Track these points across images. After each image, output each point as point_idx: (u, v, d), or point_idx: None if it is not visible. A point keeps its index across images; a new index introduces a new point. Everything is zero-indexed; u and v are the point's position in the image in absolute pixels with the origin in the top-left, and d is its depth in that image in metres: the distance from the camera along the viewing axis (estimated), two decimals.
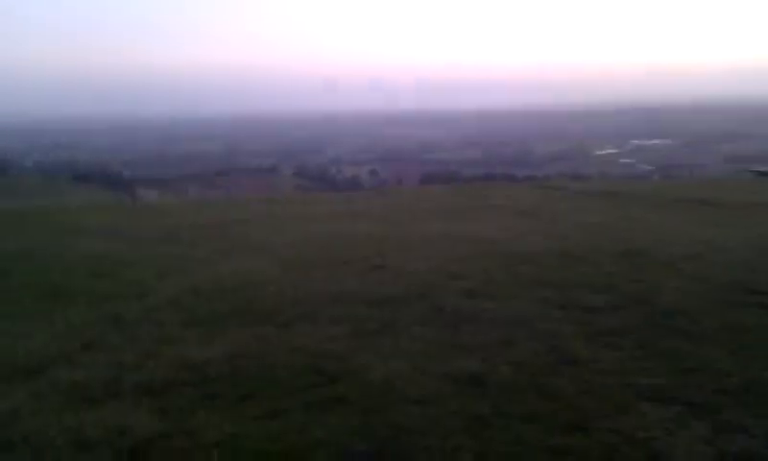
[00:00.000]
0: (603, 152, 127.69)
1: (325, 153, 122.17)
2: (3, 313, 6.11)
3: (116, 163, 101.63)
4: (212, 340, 5.07)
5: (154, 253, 8.96)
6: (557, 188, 13.86)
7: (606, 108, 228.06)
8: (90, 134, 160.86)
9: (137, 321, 5.65)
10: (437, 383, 4.33)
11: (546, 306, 5.77)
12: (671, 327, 5.28)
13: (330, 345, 5.02)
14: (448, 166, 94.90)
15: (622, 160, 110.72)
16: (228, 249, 9.07)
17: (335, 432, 3.66)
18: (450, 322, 5.48)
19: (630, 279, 6.63)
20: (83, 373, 4.51)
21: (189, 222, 12.43)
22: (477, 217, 10.36)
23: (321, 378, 4.39)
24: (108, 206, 17.17)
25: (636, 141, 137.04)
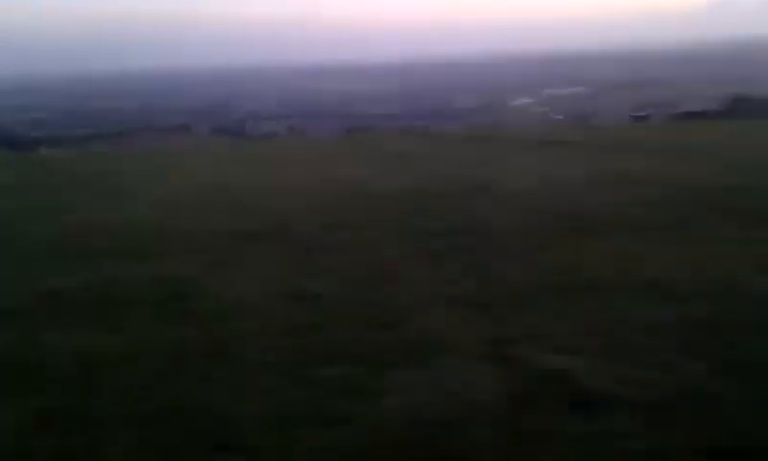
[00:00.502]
0: (518, 102, 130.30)
1: (244, 108, 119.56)
2: None
3: (23, 124, 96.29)
4: (74, 273, 5.55)
5: (28, 201, 9.26)
6: (441, 136, 14.77)
7: (521, 56, 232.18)
8: None
9: (3, 261, 6.06)
10: (275, 300, 5.00)
11: (390, 234, 6.55)
12: (490, 248, 6.15)
13: (188, 273, 5.60)
14: (368, 120, 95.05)
15: (536, 110, 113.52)
16: (104, 194, 9.49)
17: (170, 339, 4.29)
18: (303, 251, 6.17)
19: (469, 210, 7.51)
20: None
21: (73, 172, 12.66)
22: (356, 162, 11.02)
23: (172, 300, 4.98)
24: None
25: (550, 90, 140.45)
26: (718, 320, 4.55)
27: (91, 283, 5.29)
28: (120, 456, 3.22)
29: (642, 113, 22.99)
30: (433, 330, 4.48)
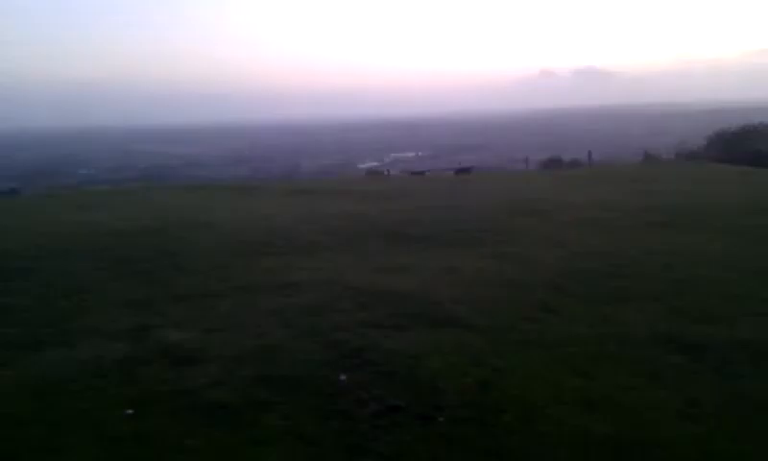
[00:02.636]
0: (365, 165, 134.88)
1: (78, 173, 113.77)
2: None
3: None
4: None
5: None
6: (219, 189, 16.09)
7: (368, 122, 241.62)
8: None
9: None
10: None
11: (102, 260, 7.65)
12: (180, 267, 7.46)
13: None
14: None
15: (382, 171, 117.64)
16: None
17: None
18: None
19: (182, 240, 8.80)
20: None
21: None
22: (119, 210, 11.88)
23: None
24: None
25: (394, 154, 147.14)
26: (317, 305, 6.12)
27: None
28: None
29: (421, 169, 26.24)
30: (93, 323, 5.63)
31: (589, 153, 31.23)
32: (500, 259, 7.84)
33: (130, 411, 4.18)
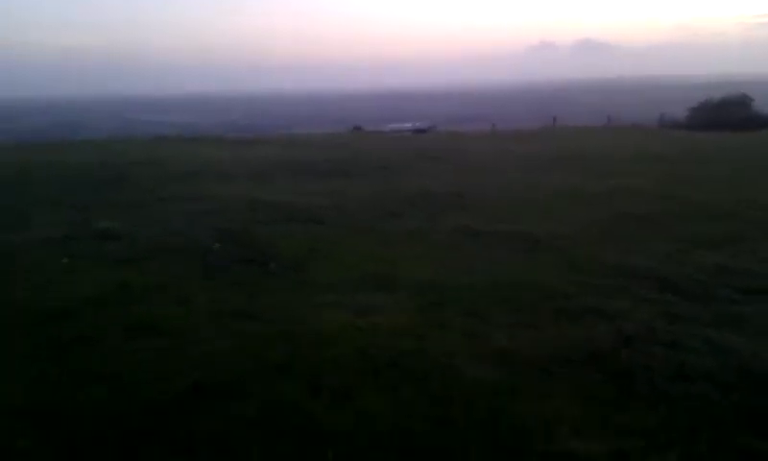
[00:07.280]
0: None
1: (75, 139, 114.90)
2: None
3: None
4: None
5: None
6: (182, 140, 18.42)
7: (366, 93, 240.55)
8: None
9: None
10: None
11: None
12: (122, 186, 9.50)
13: None
14: None
15: None
16: None
17: None
18: None
19: (130, 172, 10.86)
20: None
21: None
22: None
23: None
24: None
25: (390, 125, 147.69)
26: (218, 210, 8.17)
27: None
28: None
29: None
30: (48, 219, 7.69)
31: (554, 118, 33.01)
32: (381, 184, 9.89)
33: (65, 260, 6.22)
